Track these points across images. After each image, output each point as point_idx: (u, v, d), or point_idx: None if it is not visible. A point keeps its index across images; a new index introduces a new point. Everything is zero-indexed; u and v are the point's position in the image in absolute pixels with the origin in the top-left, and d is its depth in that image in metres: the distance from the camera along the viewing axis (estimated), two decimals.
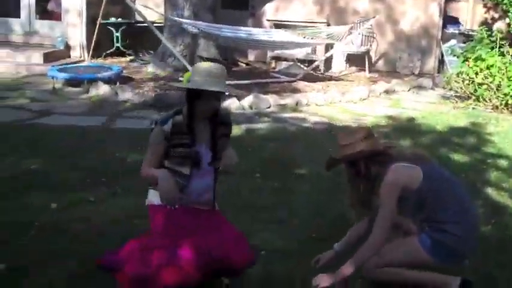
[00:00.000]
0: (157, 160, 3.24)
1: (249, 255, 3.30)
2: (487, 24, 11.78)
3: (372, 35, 11.91)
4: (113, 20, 11.78)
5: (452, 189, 3.34)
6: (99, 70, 9.78)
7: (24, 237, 4.19)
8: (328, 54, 11.34)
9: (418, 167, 3.24)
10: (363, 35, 11.79)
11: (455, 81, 9.45)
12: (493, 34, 9.25)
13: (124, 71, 10.16)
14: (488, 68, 8.92)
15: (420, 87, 10.58)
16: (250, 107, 8.42)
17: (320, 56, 11.56)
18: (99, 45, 11.25)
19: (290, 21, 11.82)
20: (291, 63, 11.64)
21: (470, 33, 11.49)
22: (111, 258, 3.47)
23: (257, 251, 3.67)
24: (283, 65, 11.77)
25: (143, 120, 7.72)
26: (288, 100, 8.87)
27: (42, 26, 11.95)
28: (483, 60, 8.98)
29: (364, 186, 3.36)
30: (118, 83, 9.35)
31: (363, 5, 12.00)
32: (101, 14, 10.87)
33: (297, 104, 8.86)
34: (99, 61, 11.26)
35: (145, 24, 10.03)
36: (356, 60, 12.00)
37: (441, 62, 11.86)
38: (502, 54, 9.01)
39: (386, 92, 10.01)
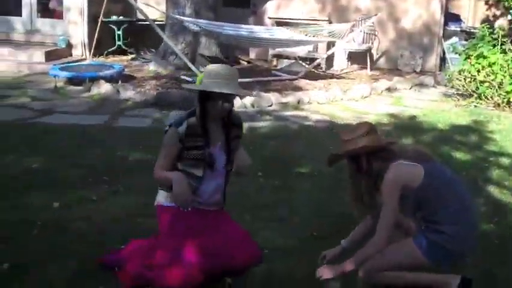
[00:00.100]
0: (170, 162, 3.23)
1: (257, 253, 3.33)
2: (488, 21, 11.76)
3: (374, 33, 11.90)
4: (114, 18, 11.77)
5: (453, 188, 3.33)
6: (100, 68, 9.77)
7: (26, 236, 4.20)
8: (329, 52, 11.33)
9: (419, 165, 3.24)
10: (364, 33, 11.79)
11: (457, 79, 9.43)
12: (495, 31, 9.23)
13: (126, 70, 10.15)
14: (490, 65, 8.90)
15: (422, 85, 10.57)
16: (252, 105, 8.42)
17: (322, 54, 11.54)
18: (101, 43, 11.26)
19: (292, 19, 11.79)
20: (293, 61, 11.63)
21: (472, 30, 11.47)
22: (113, 257, 3.48)
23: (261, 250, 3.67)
24: (285, 63, 11.75)
25: (145, 119, 7.76)
26: (290, 98, 8.87)
27: (43, 24, 11.96)
28: (485, 57, 8.96)
29: (366, 183, 3.36)
30: (120, 82, 9.35)
31: (365, 3, 11.98)
32: (102, 12, 10.88)
33: (298, 102, 8.86)
34: (101, 59, 11.27)
35: (147, 23, 10.02)
36: (358, 58, 11.99)
37: (443, 59, 11.84)
38: (504, 52, 8.99)
39: (388, 89, 10.00)
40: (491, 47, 9.04)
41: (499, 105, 8.87)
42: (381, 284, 3.36)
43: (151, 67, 10.69)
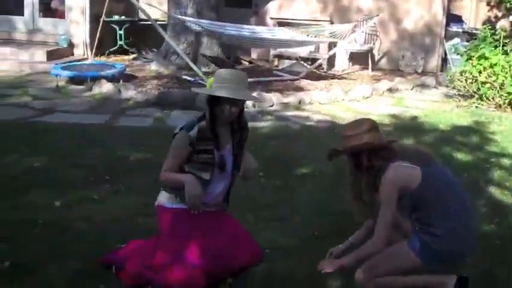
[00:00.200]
0: (178, 165, 3.21)
1: (258, 253, 3.34)
2: (490, 22, 11.77)
3: (375, 33, 11.91)
4: (116, 18, 11.79)
5: (452, 192, 3.31)
6: (102, 68, 9.79)
7: (27, 235, 4.21)
8: (331, 53, 11.33)
9: (418, 168, 3.21)
10: (366, 33, 11.79)
11: (459, 80, 9.43)
12: (497, 32, 9.24)
13: (127, 69, 10.16)
14: (491, 66, 8.90)
15: (423, 85, 10.56)
16: (253, 106, 8.42)
17: (323, 54, 11.55)
18: (103, 43, 11.27)
19: (293, 20, 11.79)
20: (294, 61, 11.64)
21: (473, 31, 11.47)
22: (113, 256, 3.48)
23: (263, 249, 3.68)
24: (286, 63, 11.76)
25: (146, 119, 7.76)
26: (291, 98, 8.87)
27: (45, 23, 11.97)
28: (486, 58, 8.96)
29: (366, 180, 3.35)
30: (121, 81, 9.36)
31: (367, 3, 11.98)
32: (104, 11, 10.89)
33: (299, 102, 8.86)
34: (103, 59, 11.29)
35: (149, 22, 10.04)
36: (359, 58, 12.00)
37: (444, 60, 11.84)
38: (506, 53, 8.99)
39: (390, 90, 10.00)
40: (493, 48, 9.04)
41: (500, 106, 8.87)
42: None
43: (153, 67, 10.70)
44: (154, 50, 11.81)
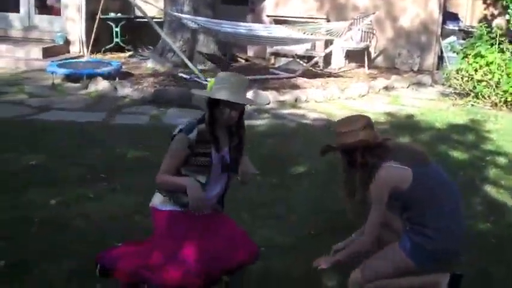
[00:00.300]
0: (175, 167, 3.19)
1: (255, 251, 3.34)
2: (486, 20, 11.76)
3: (372, 31, 11.91)
4: (112, 15, 11.76)
5: (446, 191, 3.31)
6: (98, 65, 9.77)
7: (25, 234, 4.20)
8: (327, 50, 11.33)
9: (409, 169, 3.19)
10: (362, 31, 11.79)
11: (455, 78, 9.44)
12: (493, 30, 9.24)
13: (123, 67, 10.15)
14: (487, 64, 8.91)
15: (419, 83, 10.58)
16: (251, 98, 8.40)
17: (319, 52, 11.54)
18: (99, 40, 11.25)
19: (290, 17, 11.79)
20: (290, 59, 11.62)
21: (469, 29, 11.48)
22: (107, 254, 3.48)
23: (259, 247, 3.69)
24: (283, 61, 11.75)
25: (142, 116, 7.75)
26: (287, 96, 8.88)
27: (41, 20, 11.94)
28: (483, 56, 8.97)
29: (360, 177, 3.35)
30: (117, 79, 9.35)
31: (363, 1, 11.98)
32: (100, 9, 10.87)
33: (296, 100, 8.86)
34: (99, 56, 11.25)
35: (145, 20, 10.03)
36: (355, 56, 12.00)
37: (440, 58, 11.84)
38: (502, 51, 9.00)
39: (386, 88, 10.01)
40: (489, 46, 9.06)
41: (496, 104, 8.89)
42: None
43: (149, 64, 10.69)
44: (151, 47, 11.79)
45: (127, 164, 5.80)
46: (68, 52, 11.45)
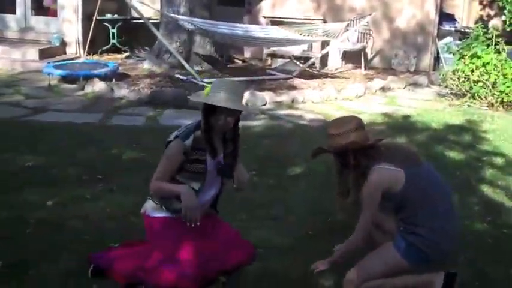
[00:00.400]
0: (170, 174, 3.17)
1: (251, 251, 3.35)
2: (482, 21, 11.79)
3: (368, 32, 11.92)
4: (108, 16, 11.75)
5: (441, 191, 3.32)
6: (94, 67, 9.76)
7: (21, 234, 4.19)
8: (324, 51, 11.34)
9: (401, 171, 3.19)
10: (359, 32, 11.81)
11: (451, 79, 9.46)
12: (489, 31, 9.26)
13: (120, 68, 10.13)
14: (484, 65, 8.92)
15: (416, 84, 10.59)
16: (246, 104, 8.41)
17: (316, 53, 11.55)
18: (95, 41, 11.24)
19: (286, 18, 11.80)
20: (287, 60, 11.63)
21: (466, 30, 11.50)
22: (104, 255, 3.48)
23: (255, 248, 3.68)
24: (279, 62, 11.75)
25: (139, 117, 7.75)
26: (284, 97, 8.87)
27: (37, 22, 11.92)
28: (479, 57, 8.98)
29: (353, 178, 3.35)
30: (114, 80, 9.34)
31: (360, 2, 11.99)
32: (96, 10, 10.85)
33: (292, 101, 8.86)
34: (95, 58, 11.25)
35: (141, 21, 10.03)
36: (352, 57, 12.01)
37: (437, 59, 11.86)
38: (498, 52, 9.02)
39: (382, 89, 10.02)
40: (485, 47, 9.07)
41: (492, 105, 8.90)
42: None
43: (146, 65, 10.68)
44: (147, 48, 11.79)
45: (124, 164, 5.80)
46: (65, 53, 11.44)
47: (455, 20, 12.39)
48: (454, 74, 9.40)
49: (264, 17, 12.37)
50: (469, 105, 9.01)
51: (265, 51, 11.95)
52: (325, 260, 3.40)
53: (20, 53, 10.77)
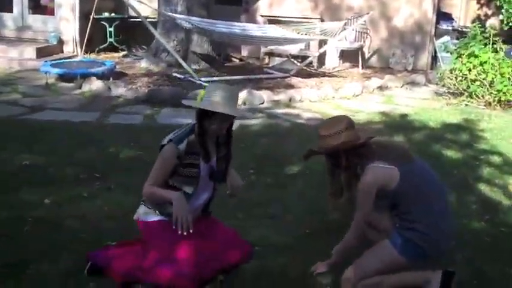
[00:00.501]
0: (163, 178, 3.16)
1: (248, 250, 3.35)
2: (480, 20, 11.79)
3: (366, 31, 11.93)
4: (106, 15, 11.74)
5: (431, 191, 3.32)
6: (92, 65, 9.76)
7: (19, 234, 4.19)
8: (321, 50, 11.34)
9: (395, 168, 3.20)
10: (356, 31, 11.81)
11: (449, 78, 9.46)
12: (486, 30, 9.25)
13: (117, 66, 10.13)
14: (481, 64, 8.93)
15: (413, 83, 10.60)
16: (244, 103, 8.41)
17: (314, 52, 11.56)
18: (92, 40, 11.24)
19: (284, 17, 11.80)
20: (285, 59, 11.63)
21: (463, 29, 11.52)
22: (101, 254, 3.47)
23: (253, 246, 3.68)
24: (277, 60, 11.76)
25: (136, 116, 7.74)
26: (282, 96, 8.87)
27: (35, 20, 11.90)
28: (476, 56, 8.99)
29: (346, 178, 3.35)
30: (111, 79, 9.33)
31: (357, 1, 12.00)
32: (94, 8, 10.86)
33: (290, 100, 8.86)
34: (92, 56, 11.23)
35: (139, 20, 10.02)
36: (349, 56, 12.01)
37: (434, 58, 11.87)
38: (495, 51, 9.03)
39: (380, 88, 10.03)
40: (483, 46, 9.07)
41: (490, 104, 8.91)
42: None
43: (143, 64, 10.68)
44: (145, 47, 11.79)
45: (121, 163, 5.79)
46: (62, 52, 11.42)
47: (452, 19, 12.41)
48: (451, 73, 9.40)
49: (262, 16, 12.37)
50: (466, 104, 9.02)
51: (263, 50, 11.95)
52: (325, 262, 3.42)
53: (17, 52, 10.76)
